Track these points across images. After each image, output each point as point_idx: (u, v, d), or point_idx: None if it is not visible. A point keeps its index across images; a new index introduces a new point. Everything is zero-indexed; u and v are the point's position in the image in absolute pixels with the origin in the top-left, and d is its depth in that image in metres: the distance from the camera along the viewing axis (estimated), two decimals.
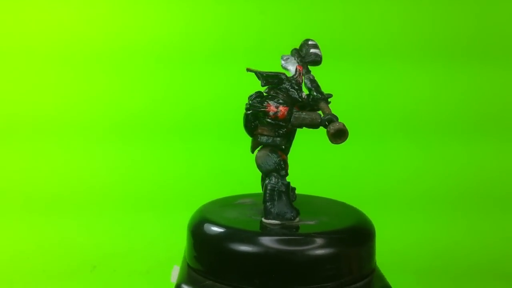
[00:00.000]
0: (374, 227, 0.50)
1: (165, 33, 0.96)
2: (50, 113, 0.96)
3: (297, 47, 0.52)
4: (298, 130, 0.49)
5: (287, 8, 0.97)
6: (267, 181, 0.48)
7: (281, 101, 0.47)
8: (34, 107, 0.96)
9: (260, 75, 0.48)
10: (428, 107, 0.96)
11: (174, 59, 0.96)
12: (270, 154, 0.48)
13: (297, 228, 0.47)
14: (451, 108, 0.96)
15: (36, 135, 0.95)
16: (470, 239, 0.88)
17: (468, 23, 0.96)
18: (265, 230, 0.46)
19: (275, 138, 0.48)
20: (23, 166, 0.95)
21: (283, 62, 0.49)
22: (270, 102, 0.47)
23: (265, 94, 0.48)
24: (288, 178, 0.49)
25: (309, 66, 0.50)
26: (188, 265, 0.49)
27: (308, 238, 0.45)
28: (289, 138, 0.50)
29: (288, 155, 0.51)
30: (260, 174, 0.50)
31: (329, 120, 0.46)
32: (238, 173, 0.89)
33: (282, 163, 0.48)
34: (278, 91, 0.48)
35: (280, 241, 0.45)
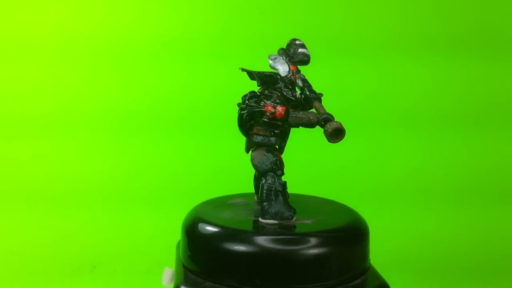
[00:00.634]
0: (368, 226, 0.50)
1: (167, 32, 0.97)
2: (50, 113, 0.96)
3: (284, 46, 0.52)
4: (292, 129, 0.49)
5: (288, 3, 0.97)
6: (263, 181, 0.48)
7: (278, 100, 0.47)
8: (34, 107, 0.96)
9: (255, 75, 0.47)
10: (427, 102, 0.96)
11: (174, 59, 0.96)
12: (266, 154, 0.48)
13: (295, 227, 0.47)
14: (451, 103, 0.96)
15: (36, 135, 0.96)
16: (470, 237, 0.88)
17: (468, 17, 0.96)
18: (264, 230, 0.46)
19: (270, 138, 0.48)
20: (22, 166, 0.95)
21: (271, 61, 0.49)
22: (267, 102, 0.47)
23: (258, 93, 0.48)
24: (283, 178, 0.48)
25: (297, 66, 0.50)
26: (185, 267, 0.49)
27: (308, 237, 0.45)
28: (284, 137, 0.50)
29: (283, 155, 0.50)
30: (252, 173, 0.50)
31: (326, 119, 0.46)
32: (238, 173, 0.88)
33: (278, 162, 0.48)
34: (273, 91, 0.48)
35: (279, 241, 0.45)
